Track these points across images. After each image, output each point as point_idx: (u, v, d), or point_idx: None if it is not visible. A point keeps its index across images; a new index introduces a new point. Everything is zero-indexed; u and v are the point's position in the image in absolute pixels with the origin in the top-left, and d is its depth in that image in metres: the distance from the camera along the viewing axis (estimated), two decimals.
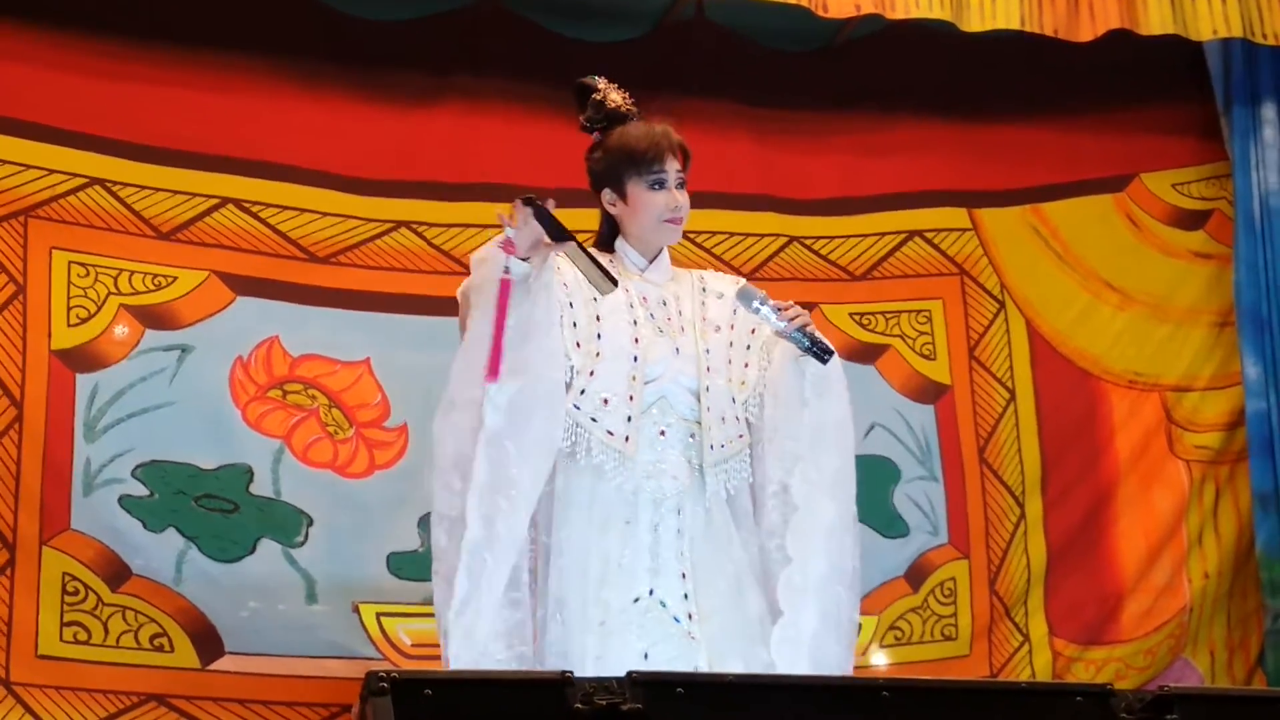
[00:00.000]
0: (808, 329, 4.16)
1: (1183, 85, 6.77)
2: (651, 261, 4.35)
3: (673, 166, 4.29)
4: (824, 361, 4.15)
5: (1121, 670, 6.31)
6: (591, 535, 4.10)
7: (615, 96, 4.37)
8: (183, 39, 5.76)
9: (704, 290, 4.39)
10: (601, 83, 4.40)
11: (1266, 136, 6.66)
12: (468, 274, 5.89)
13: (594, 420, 4.13)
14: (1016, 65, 6.49)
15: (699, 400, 4.22)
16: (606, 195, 4.35)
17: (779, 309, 4.18)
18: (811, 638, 4.10)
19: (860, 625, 4.32)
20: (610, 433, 4.13)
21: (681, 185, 4.32)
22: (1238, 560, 6.53)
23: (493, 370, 3.95)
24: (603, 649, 3.99)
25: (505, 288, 3.99)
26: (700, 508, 4.19)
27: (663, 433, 4.18)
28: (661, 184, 4.27)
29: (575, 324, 4.15)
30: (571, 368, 4.14)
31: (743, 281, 4.34)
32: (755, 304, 4.21)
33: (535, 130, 6.07)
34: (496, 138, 6.05)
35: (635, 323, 4.23)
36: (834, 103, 6.47)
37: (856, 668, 5.67)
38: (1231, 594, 6.55)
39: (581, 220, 5.83)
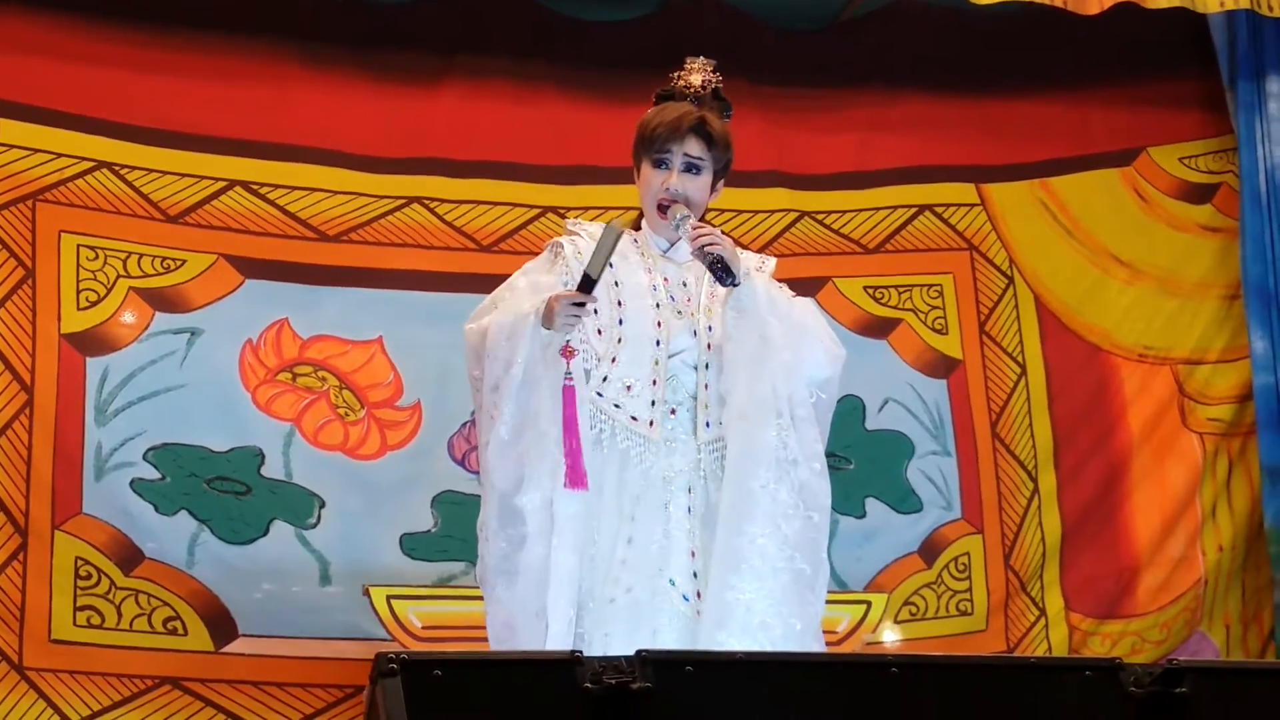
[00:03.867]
0: (710, 248, 4.01)
1: (1188, 59, 6.75)
2: (673, 244, 4.23)
3: (681, 149, 4.14)
4: (724, 283, 4.02)
5: (1137, 644, 6.30)
6: (616, 518, 4.04)
7: (694, 78, 4.23)
8: (189, 23, 5.79)
9: None
10: (696, 63, 4.25)
11: (1272, 110, 6.62)
12: (478, 250, 5.95)
13: (617, 407, 4.07)
14: (1023, 41, 6.48)
15: (698, 376, 4.15)
16: (634, 170, 4.26)
17: (693, 229, 4.06)
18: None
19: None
20: (634, 418, 4.08)
21: (692, 170, 4.16)
22: (1250, 534, 6.51)
23: (579, 482, 3.93)
24: (612, 626, 3.96)
25: (570, 395, 3.94)
26: (710, 487, 4.12)
27: (673, 411, 4.11)
28: (662, 164, 4.16)
29: (595, 310, 4.04)
30: (593, 355, 4.08)
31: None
32: (676, 222, 4.09)
33: (540, 109, 6.09)
34: (502, 116, 6.04)
35: (658, 305, 4.15)
36: (841, 79, 6.46)
37: (869, 644, 5.70)
38: (1245, 567, 6.53)
39: (594, 198, 5.92)
